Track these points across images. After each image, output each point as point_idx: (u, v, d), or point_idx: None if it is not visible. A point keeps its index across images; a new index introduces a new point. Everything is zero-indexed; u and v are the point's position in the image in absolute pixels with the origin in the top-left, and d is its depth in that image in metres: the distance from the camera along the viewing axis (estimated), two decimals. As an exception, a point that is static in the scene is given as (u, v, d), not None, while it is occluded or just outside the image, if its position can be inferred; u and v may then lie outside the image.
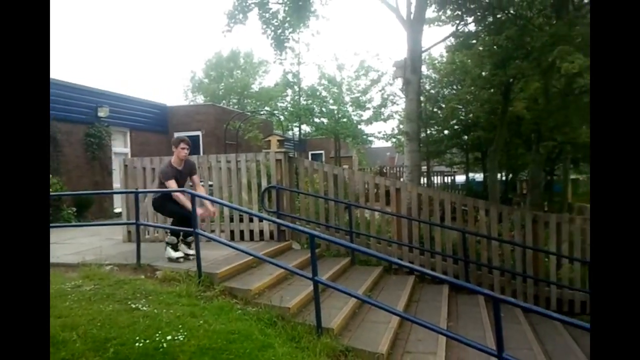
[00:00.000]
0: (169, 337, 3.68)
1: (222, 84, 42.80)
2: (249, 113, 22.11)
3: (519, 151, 16.90)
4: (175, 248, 6.04)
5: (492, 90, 13.19)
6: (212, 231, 7.55)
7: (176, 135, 11.42)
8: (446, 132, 19.23)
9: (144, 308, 4.29)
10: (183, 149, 6.06)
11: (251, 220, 7.57)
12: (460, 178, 25.85)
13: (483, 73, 13.46)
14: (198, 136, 17.05)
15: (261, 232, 7.59)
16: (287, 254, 7.09)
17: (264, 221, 7.46)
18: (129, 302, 4.43)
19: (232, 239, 7.52)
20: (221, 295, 5.01)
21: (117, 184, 12.70)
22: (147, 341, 3.62)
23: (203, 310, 4.42)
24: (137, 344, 3.57)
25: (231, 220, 7.64)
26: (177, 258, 5.96)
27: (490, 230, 7.91)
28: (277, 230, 7.51)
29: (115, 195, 13.23)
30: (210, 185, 7.72)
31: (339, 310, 4.94)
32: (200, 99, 42.44)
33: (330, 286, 4.89)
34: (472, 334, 5.31)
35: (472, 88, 14.52)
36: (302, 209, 8.12)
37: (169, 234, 6.12)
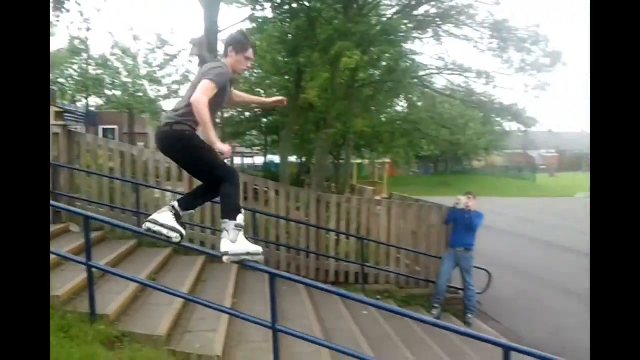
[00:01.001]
0: None
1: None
2: (24, 79, 19.21)
3: (311, 136, 18.10)
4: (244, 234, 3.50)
5: (286, 76, 13.82)
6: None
7: None
8: (247, 114, 19.60)
9: None
10: (248, 59, 3.52)
11: (18, 201, 6.67)
12: (261, 160, 26.78)
13: (280, 59, 14.01)
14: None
15: (31, 214, 6.75)
16: (63, 237, 6.46)
17: (35, 202, 6.65)
18: None
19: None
20: (-28, 287, 4.33)
21: None
22: None
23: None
24: None
25: (-8, 201, 6.62)
26: (258, 254, 3.54)
27: (279, 209, 8.37)
28: (52, 212, 6.76)
29: None
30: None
31: (118, 295, 4.70)
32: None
33: (107, 271, 4.63)
34: (256, 309, 5.56)
35: (267, 73, 15.02)
36: (83, 189, 7.44)
37: (226, 213, 3.39)
